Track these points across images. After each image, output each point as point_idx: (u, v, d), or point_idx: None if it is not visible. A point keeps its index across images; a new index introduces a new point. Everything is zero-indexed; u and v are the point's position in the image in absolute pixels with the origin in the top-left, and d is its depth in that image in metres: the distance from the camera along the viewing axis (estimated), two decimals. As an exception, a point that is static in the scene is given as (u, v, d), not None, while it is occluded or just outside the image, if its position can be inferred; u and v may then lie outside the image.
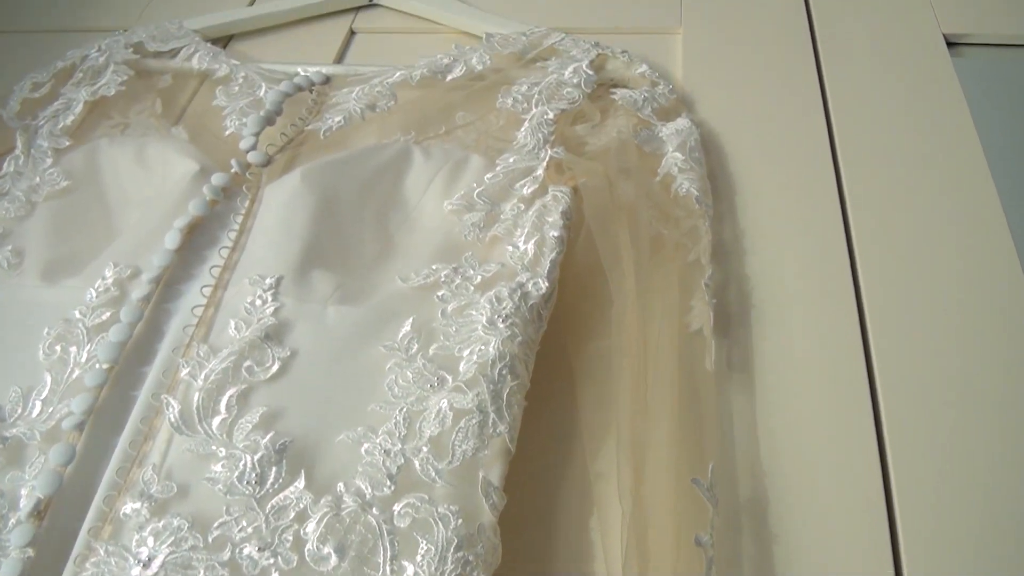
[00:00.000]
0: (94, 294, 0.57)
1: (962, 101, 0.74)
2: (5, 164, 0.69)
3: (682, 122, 0.70)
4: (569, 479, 0.55)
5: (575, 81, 0.71)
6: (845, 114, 0.74)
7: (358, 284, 0.57)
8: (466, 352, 0.52)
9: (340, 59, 0.83)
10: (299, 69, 0.76)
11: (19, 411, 0.53)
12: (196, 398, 0.50)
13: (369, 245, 0.61)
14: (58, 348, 0.55)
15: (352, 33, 0.86)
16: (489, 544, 0.47)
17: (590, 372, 0.57)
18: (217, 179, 0.62)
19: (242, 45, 0.86)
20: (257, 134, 0.67)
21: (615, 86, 0.75)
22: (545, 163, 0.63)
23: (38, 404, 0.53)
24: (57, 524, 0.48)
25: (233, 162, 0.64)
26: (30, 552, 0.46)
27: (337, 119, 0.68)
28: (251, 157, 0.64)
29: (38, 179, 0.67)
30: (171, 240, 0.59)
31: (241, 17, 0.85)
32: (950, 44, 0.80)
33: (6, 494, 0.49)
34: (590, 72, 0.72)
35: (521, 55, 0.75)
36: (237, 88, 0.73)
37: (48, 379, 0.54)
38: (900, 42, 0.79)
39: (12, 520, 0.48)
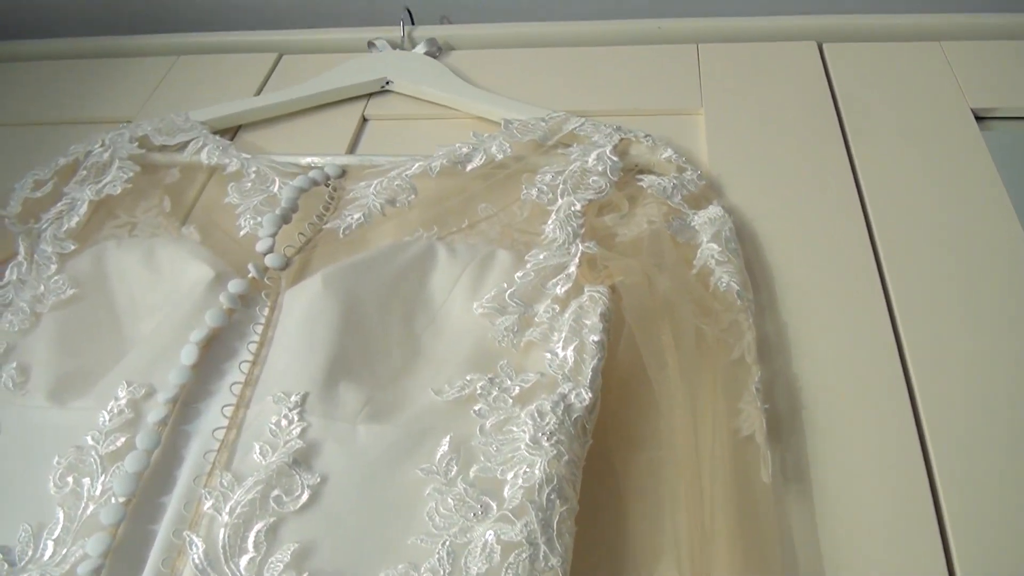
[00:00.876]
0: (107, 417, 0.53)
1: (995, 174, 0.72)
2: (8, 272, 0.66)
3: (714, 210, 0.67)
4: (623, 606, 0.51)
5: (600, 169, 0.68)
6: (878, 193, 0.71)
7: (388, 397, 0.54)
8: (510, 475, 0.49)
9: (353, 148, 0.81)
10: (312, 160, 0.74)
11: (30, 553, 0.49)
12: (221, 535, 0.47)
13: (396, 351, 0.57)
14: (70, 480, 0.51)
15: (364, 120, 0.84)
16: None
17: (640, 487, 0.54)
18: (234, 286, 0.59)
19: (251, 135, 0.83)
20: (274, 235, 0.64)
21: (639, 172, 0.72)
22: (577, 259, 0.60)
23: (50, 544, 0.49)
24: None
25: (250, 266, 0.61)
26: None
27: (356, 216, 0.65)
28: (269, 260, 0.61)
29: (42, 288, 0.63)
30: (188, 356, 0.55)
31: (250, 107, 0.83)
32: (979, 118, 0.78)
33: None
34: (615, 159, 0.70)
35: (541, 142, 0.73)
36: (250, 184, 0.70)
37: (60, 515, 0.50)
38: (928, 118, 0.77)
39: None
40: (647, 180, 0.69)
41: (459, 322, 0.59)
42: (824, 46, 0.87)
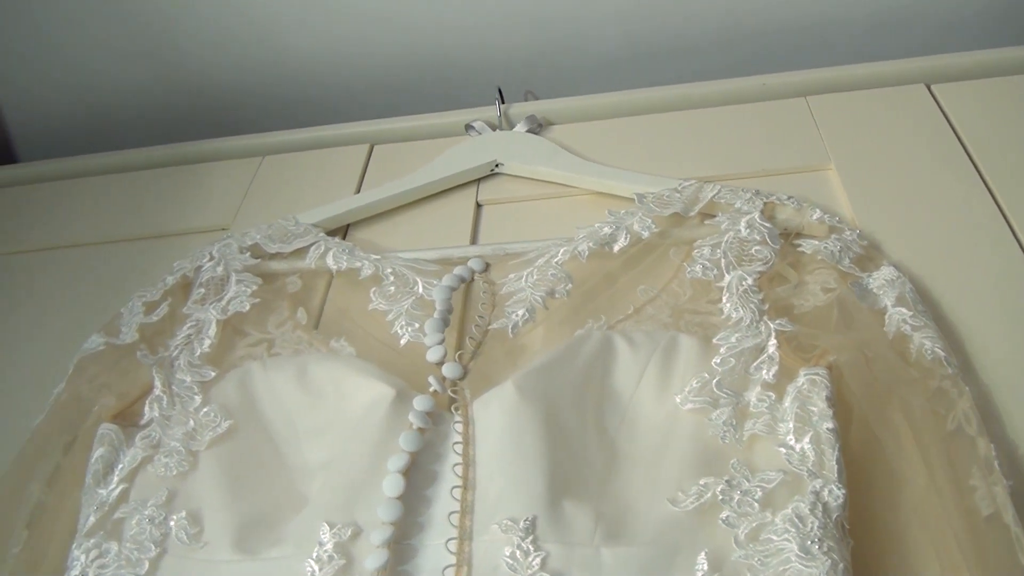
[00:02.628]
0: (316, 567, 0.48)
1: None
2: (147, 409, 0.60)
3: (889, 271, 0.63)
4: None
5: (757, 237, 0.65)
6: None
7: (614, 511, 0.49)
8: (787, 590, 0.44)
9: (475, 237, 0.77)
10: (444, 254, 0.70)
11: None
12: None
13: (596, 456, 0.53)
14: None
15: (478, 206, 0.80)
16: None
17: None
18: (420, 403, 0.54)
19: (363, 232, 0.79)
20: (441, 341, 0.59)
21: (788, 235, 0.68)
22: (773, 338, 0.56)
23: None
24: None
25: (431, 380, 0.56)
26: None
27: (520, 313, 0.61)
28: (447, 371, 0.57)
29: (192, 423, 0.58)
30: (392, 487, 0.50)
31: (359, 204, 0.78)
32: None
33: None
34: (768, 225, 0.66)
35: (683, 214, 0.69)
36: (393, 288, 0.65)
37: None
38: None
39: None
40: (807, 245, 0.66)
41: (653, 417, 0.55)
42: (932, 87, 0.84)
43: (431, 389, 0.56)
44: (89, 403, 0.63)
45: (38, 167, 1.01)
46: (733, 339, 0.57)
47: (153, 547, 0.52)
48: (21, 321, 0.81)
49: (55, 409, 0.63)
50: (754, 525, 0.47)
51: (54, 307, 0.82)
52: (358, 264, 0.69)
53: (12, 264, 0.88)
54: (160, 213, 0.89)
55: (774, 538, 0.46)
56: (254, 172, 0.91)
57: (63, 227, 0.91)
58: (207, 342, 0.65)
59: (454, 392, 0.56)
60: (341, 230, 0.79)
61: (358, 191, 0.85)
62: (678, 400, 0.54)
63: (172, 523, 0.53)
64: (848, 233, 0.67)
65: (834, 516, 0.47)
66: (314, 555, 0.49)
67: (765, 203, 0.69)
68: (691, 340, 0.58)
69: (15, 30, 1.03)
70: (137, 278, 0.78)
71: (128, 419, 0.61)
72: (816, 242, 0.66)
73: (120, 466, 0.57)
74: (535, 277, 0.64)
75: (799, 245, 0.66)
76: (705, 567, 0.46)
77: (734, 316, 0.58)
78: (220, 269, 0.71)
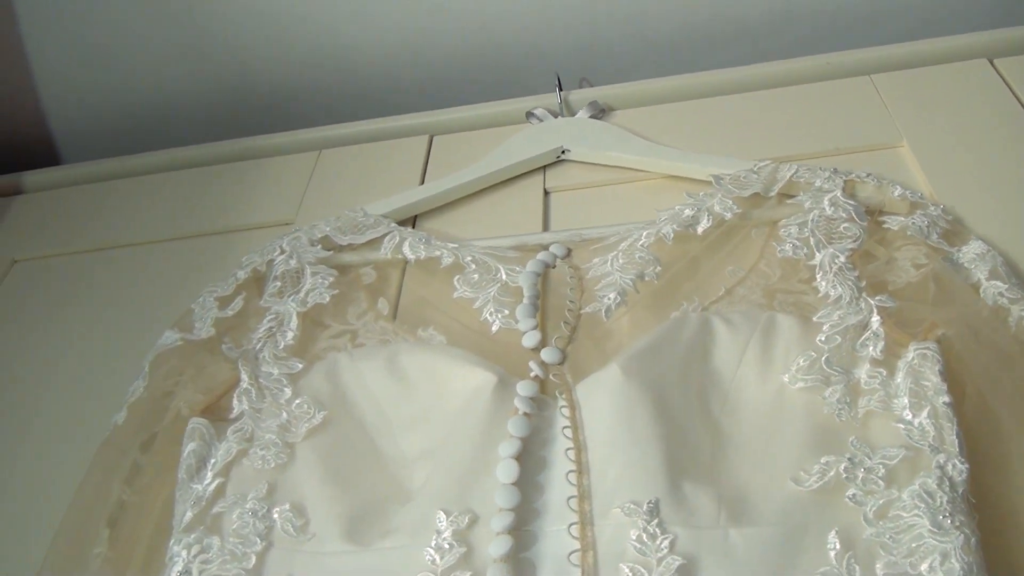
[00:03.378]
0: (436, 557, 0.47)
1: None
2: (235, 403, 0.59)
3: (978, 245, 0.62)
4: None
5: (844, 215, 0.64)
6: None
7: (733, 492, 0.48)
8: (923, 567, 0.44)
9: (546, 223, 0.76)
10: (521, 241, 0.70)
11: None
12: None
13: (703, 439, 0.52)
14: None
15: (547, 194, 0.79)
16: None
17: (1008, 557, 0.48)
18: (524, 389, 0.54)
19: (431, 223, 0.78)
20: (536, 327, 0.58)
21: (871, 213, 0.68)
22: (876, 314, 0.55)
23: None
24: None
25: (532, 365, 0.56)
26: None
27: (612, 296, 0.60)
28: (546, 355, 0.56)
29: (285, 415, 0.57)
30: (507, 473, 0.50)
31: (427, 195, 0.78)
32: None
33: None
34: (853, 202, 0.65)
35: (764, 194, 0.68)
36: (476, 276, 0.65)
37: None
38: None
39: None
40: (893, 221, 0.65)
41: (757, 398, 0.54)
42: (995, 61, 0.83)
43: (532, 375, 0.55)
44: (167, 400, 0.62)
45: (91, 167, 1.00)
46: (835, 316, 0.56)
47: (259, 540, 0.52)
48: (85, 320, 0.80)
49: (132, 407, 0.62)
50: (881, 502, 0.47)
51: (117, 305, 0.81)
52: (437, 253, 0.68)
53: (73, 264, 0.88)
54: (220, 209, 0.88)
55: (903, 515, 0.46)
56: (312, 166, 0.90)
57: (119, 226, 0.91)
58: (290, 334, 0.64)
59: (555, 377, 0.55)
60: (409, 221, 0.78)
61: (422, 183, 0.84)
62: (786, 379, 0.54)
63: (276, 516, 0.53)
64: (932, 208, 0.66)
65: (960, 490, 0.46)
66: (432, 544, 0.48)
67: (845, 181, 0.68)
68: (790, 319, 0.57)
69: (58, 34, 1.02)
70: (200, 274, 0.78)
71: (215, 414, 0.60)
72: (902, 218, 0.65)
73: (213, 460, 0.56)
74: (621, 261, 0.63)
75: (884, 222, 0.65)
76: (837, 546, 0.45)
77: (832, 294, 0.58)
78: (293, 262, 0.70)
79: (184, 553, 0.52)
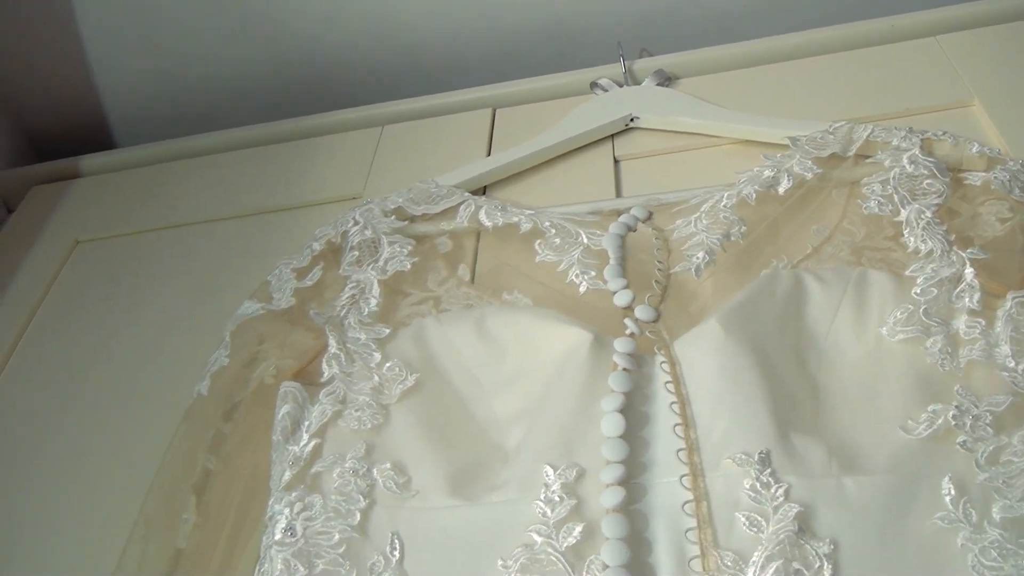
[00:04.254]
0: (547, 509, 0.47)
1: None
2: (324, 367, 0.60)
3: (1059, 198, 0.62)
4: None
5: (926, 172, 0.63)
6: None
7: (841, 444, 0.48)
8: (1041, 511, 0.43)
9: (618, 191, 0.76)
10: (597, 207, 0.70)
11: None
12: (758, 622, 0.41)
13: (802, 393, 0.52)
14: None
15: (616, 162, 0.79)
16: None
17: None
18: (622, 345, 0.54)
19: (501, 194, 0.78)
20: (626, 287, 0.58)
21: (950, 170, 0.67)
22: (969, 266, 0.55)
23: None
24: None
25: (628, 322, 0.56)
26: None
27: (700, 255, 0.60)
28: (640, 313, 0.56)
29: (376, 378, 0.58)
30: (613, 427, 0.50)
31: (496, 165, 0.78)
32: None
33: None
34: (932, 159, 0.65)
35: (842, 154, 0.68)
36: (558, 240, 0.65)
37: None
38: None
39: None
40: (974, 177, 0.64)
41: (852, 354, 0.54)
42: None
43: (628, 332, 0.55)
44: (250, 370, 0.62)
45: (150, 148, 1.01)
46: (928, 270, 0.56)
47: (361, 498, 0.52)
48: (150, 297, 0.81)
49: (216, 376, 0.62)
50: (992, 448, 0.46)
51: (182, 282, 0.82)
52: (514, 219, 0.68)
53: (136, 243, 0.89)
54: (283, 187, 0.88)
55: (1015, 460, 0.46)
56: (376, 142, 0.90)
57: (181, 206, 0.91)
58: (373, 301, 0.64)
59: (652, 334, 0.55)
60: (478, 192, 0.78)
61: (488, 155, 0.84)
62: (884, 332, 0.53)
63: (376, 474, 0.53)
64: (1012, 164, 0.66)
65: (1066, 436, 0.46)
66: (542, 497, 0.48)
67: (922, 139, 0.67)
68: (882, 275, 0.57)
69: (112, 21, 1.03)
70: (268, 250, 0.78)
71: (305, 379, 0.60)
72: (982, 174, 0.64)
73: (307, 423, 0.57)
74: (706, 221, 0.63)
75: (965, 178, 0.65)
76: (952, 491, 0.45)
77: (923, 248, 0.57)
78: (368, 232, 0.70)
79: (287, 511, 0.52)
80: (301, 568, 0.49)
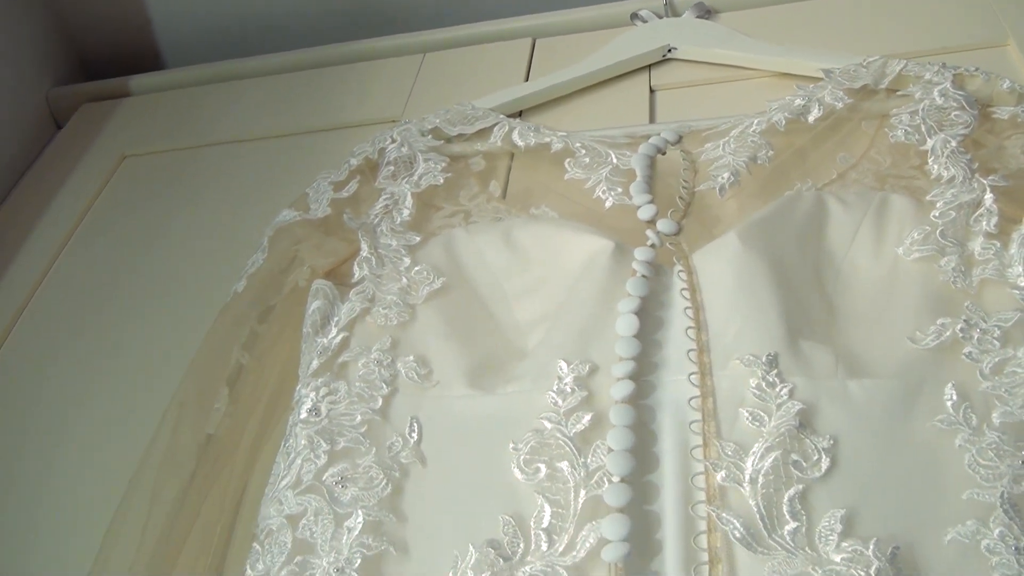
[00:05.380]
0: (558, 399, 0.49)
1: None
2: (356, 269, 0.62)
3: (1087, 137, 0.62)
4: None
5: (955, 104, 0.64)
6: None
7: (851, 352, 0.50)
8: (1040, 417, 0.44)
9: (653, 120, 0.77)
10: (629, 132, 0.70)
11: (522, 546, 0.45)
12: (753, 507, 0.42)
13: (818, 308, 0.53)
14: (541, 466, 0.47)
15: (652, 91, 0.80)
16: None
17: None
18: (642, 254, 0.55)
19: (535, 118, 0.79)
20: (651, 202, 0.60)
21: (980, 105, 0.67)
22: (990, 192, 0.55)
23: (542, 536, 0.45)
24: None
25: (649, 234, 0.57)
26: None
27: (726, 176, 0.61)
28: (662, 226, 0.58)
29: (405, 280, 0.60)
30: (626, 327, 0.51)
31: (532, 90, 0.79)
32: None
33: None
34: (963, 93, 0.65)
35: (873, 87, 0.68)
36: (588, 159, 0.66)
37: (543, 503, 0.46)
38: None
39: None
40: (1003, 111, 0.65)
41: (869, 274, 0.55)
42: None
43: (648, 243, 0.57)
44: (285, 275, 0.65)
45: (197, 70, 1.03)
46: (949, 195, 0.56)
47: (384, 386, 0.54)
48: (193, 209, 0.85)
49: (252, 277, 0.65)
50: (997, 360, 0.48)
51: (224, 196, 0.85)
52: (547, 139, 0.70)
53: (181, 158, 0.92)
54: (325, 108, 0.91)
55: (1019, 371, 0.47)
56: (417, 69, 0.92)
57: (226, 124, 0.94)
58: (406, 212, 0.66)
59: (672, 246, 0.57)
60: (515, 116, 0.80)
61: (526, 83, 0.85)
62: (900, 251, 0.54)
63: (400, 366, 0.55)
64: (1041, 99, 0.66)
65: (1071, 351, 0.47)
66: (555, 388, 0.50)
67: (954, 74, 0.68)
68: (903, 199, 0.58)
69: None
70: (309, 167, 0.79)
71: (337, 279, 0.63)
72: (1011, 108, 0.65)
73: (336, 318, 0.59)
74: (734, 145, 0.64)
75: (994, 112, 0.65)
76: (954, 397, 0.46)
77: (945, 175, 0.58)
78: (405, 149, 0.72)
79: (312, 395, 0.55)
80: (324, 444, 0.52)
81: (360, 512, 0.48)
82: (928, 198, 0.57)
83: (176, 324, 0.73)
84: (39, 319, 0.79)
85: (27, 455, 0.67)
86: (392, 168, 0.71)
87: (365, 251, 0.63)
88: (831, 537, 0.41)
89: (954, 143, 0.60)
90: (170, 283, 0.78)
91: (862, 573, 0.40)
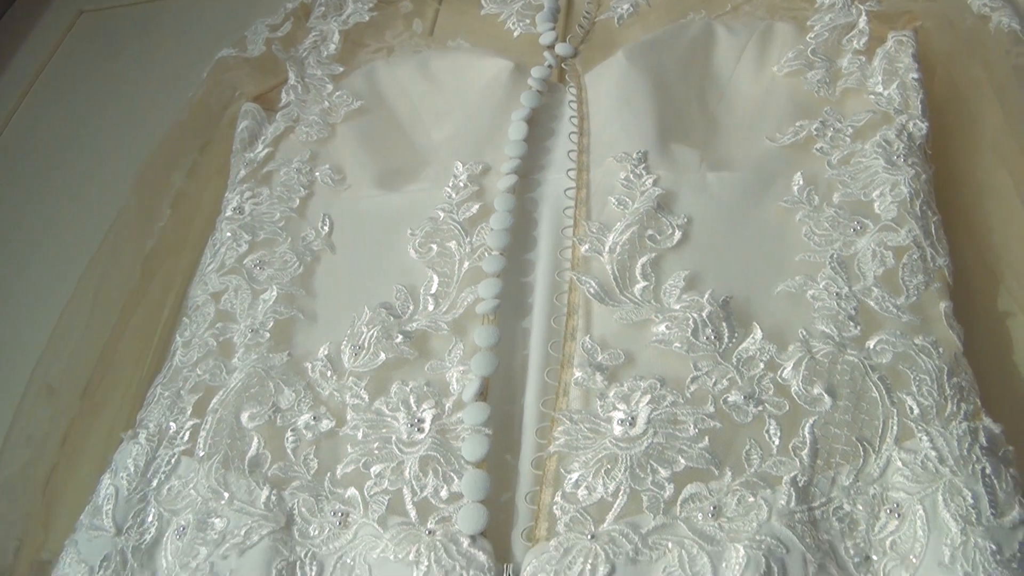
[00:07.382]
0: (453, 193, 0.55)
1: None
2: (283, 95, 0.67)
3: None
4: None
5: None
6: None
7: (718, 152, 0.55)
8: (875, 194, 0.50)
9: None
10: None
11: (411, 307, 0.51)
12: (609, 271, 0.48)
13: (697, 124, 0.58)
14: (433, 246, 0.53)
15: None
16: (968, 372, 0.44)
17: (979, 209, 0.54)
18: (538, 72, 0.60)
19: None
20: (553, 29, 0.65)
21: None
22: (865, 16, 0.60)
23: (429, 300, 0.51)
24: (495, 403, 0.46)
25: (546, 55, 0.62)
26: (487, 431, 0.45)
27: (625, 6, 0.66)
28: (560, 49, 0.63)
29: (327, 103, 0.65)
30: (516, 131, 0.57)
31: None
32: None
33: (433, 383, 0.48)
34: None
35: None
36: (503, -6, 0.70)
37: (432, 275, 0.52)
38: None
39: (449, 404, 0.47)
40: None
41: (751, 92, 0.60)
42: None
43: (546, 64, 0.61)
44: (223, 106, 0.70)
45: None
46: (827, 19, 0.61)
47: (302, 189, 0.60)
48: (148, 62, 0.89)
49: (192, 109, 0.70)
50: (845, 153, 0.53)
51: (177, 50, 0.89)
52: (466, -21, 0.74)
53: (135, 13, 0.95)
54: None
55: (863, 160, 0.52)
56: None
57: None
58: (332, 46, 0.71)
59: (566, 66, 0.62)
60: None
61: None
62: (775, 69, 0.59)
63: (317, 173, 0.61)
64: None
65: (917, 143, 0.52)
66: (450, 184, 0.56)
67: None
68: (787, 25, 0.62)
69: None
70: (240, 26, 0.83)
71: (266, 105, 0.68)
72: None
73: (264, 137, 0.65)
74: (638, -20, 0.68)
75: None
76: (801, 182, 0.51)
77: (827, 2, 0.62)
78: (336, -8, 0.77)
79: (237, 198, 0.60)
80: (245, 236, 0.57)
81: (275, 287, 0.54)
82: (808, 23, 0.62)
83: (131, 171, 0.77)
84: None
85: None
86: (323, 8, 0.76)
87: (292, 79, 0.68)
88: (674, 291, 0.47)
89: (839, -26, 0.64)
90: (126, 138, 0.82)
91: (695, 315, 0.46)
